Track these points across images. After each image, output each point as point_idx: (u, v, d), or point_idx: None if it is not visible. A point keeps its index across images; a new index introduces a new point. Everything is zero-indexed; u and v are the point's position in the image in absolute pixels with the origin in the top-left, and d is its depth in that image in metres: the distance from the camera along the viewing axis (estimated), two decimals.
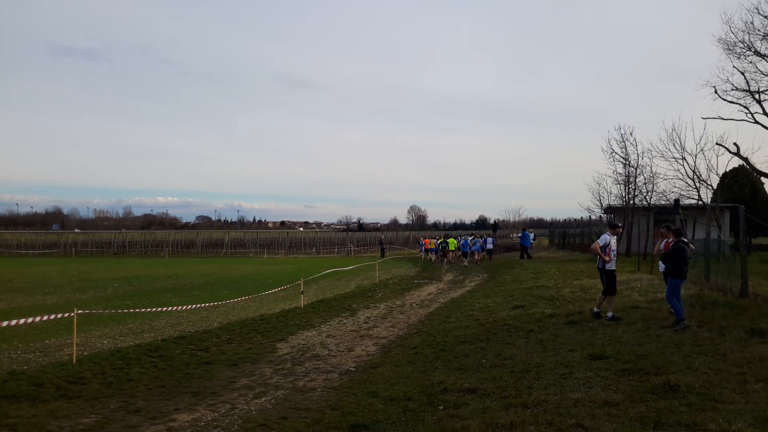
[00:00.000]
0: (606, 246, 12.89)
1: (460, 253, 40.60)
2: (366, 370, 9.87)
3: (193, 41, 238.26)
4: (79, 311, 11.27)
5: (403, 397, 7.60)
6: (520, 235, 40.61)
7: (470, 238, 42.63)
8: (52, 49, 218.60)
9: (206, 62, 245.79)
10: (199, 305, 16.18)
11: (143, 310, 14.36)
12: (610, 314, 12.41)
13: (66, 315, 11.13)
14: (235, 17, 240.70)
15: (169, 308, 14.91)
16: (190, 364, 10.60)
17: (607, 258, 12.83)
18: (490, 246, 42.96)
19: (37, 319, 10.74)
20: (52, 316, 11.06)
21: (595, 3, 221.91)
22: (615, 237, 13.17)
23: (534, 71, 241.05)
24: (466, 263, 37.48)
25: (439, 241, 43.31)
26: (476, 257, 39.46)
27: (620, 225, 14.78)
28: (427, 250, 43.67)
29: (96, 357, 10.92)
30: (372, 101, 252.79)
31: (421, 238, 50.50)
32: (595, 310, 12.89)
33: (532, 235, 48.56)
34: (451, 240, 41.35)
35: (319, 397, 8.31)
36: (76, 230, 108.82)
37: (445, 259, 38.99)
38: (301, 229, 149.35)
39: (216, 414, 7.63)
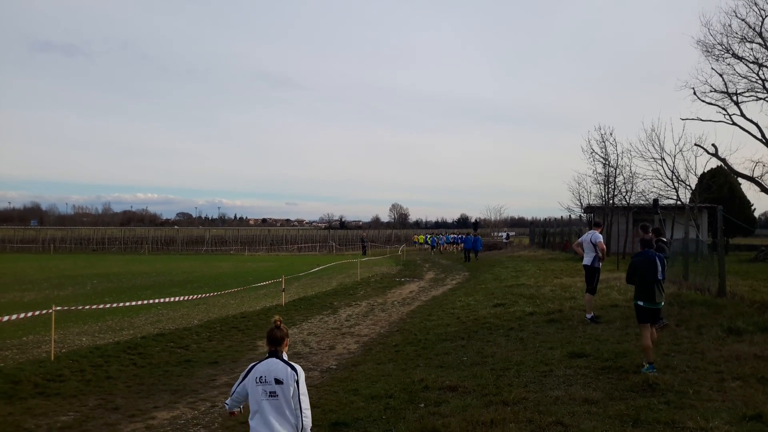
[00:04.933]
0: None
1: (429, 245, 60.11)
2: (347, 367, 9.86)
3: (173, 38, 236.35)
4: (57, 308, 11.14)
5: (384, 395, 7.60)
6: (465, 237, 44.19)
7: (438, 236, 62.62)
8: (31, 44, 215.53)
9: (187, 59, 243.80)
10: (179, 297, 16.06)
11: (122, 304, 14.20)
12: (590, 315, 12.48)
13: (44, 312, 10.99)
14: (217, 14, 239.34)
15: (148, 301, 14.81)
16: (169, 361, 10.52)
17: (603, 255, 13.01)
18: (443, 242, 60.12)
19: (14, 316, 10.59)
20: (30, 313, 10.92)
21: (576, 5, 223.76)
22: None
23: (516, 71, 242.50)
24: (432, 252, 55.96)
25: (428, 237, 66.00)
26: (442, 249, 58.24)
27: (601, 223, 14.93)
28: (415, 242, 68.00)
29: (74, 354, 10.80)
30: (354, 99, 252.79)
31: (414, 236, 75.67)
32: (589, 315, 12.41)
33: (507, 234, 70.28)
34: (420, 237, 70.15)
35: None
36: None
37: (433, 250, 57.70)
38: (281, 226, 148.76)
39: (196, 412, 7.59)
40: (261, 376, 4.25)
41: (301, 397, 4.23)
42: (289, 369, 4.26)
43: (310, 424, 4.28)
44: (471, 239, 42.28)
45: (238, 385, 4.40)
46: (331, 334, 13.22)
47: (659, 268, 8.36)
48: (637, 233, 13.03)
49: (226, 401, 4.56)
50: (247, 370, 4.38)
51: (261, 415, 4.20)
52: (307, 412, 4.26)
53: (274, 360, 4.30)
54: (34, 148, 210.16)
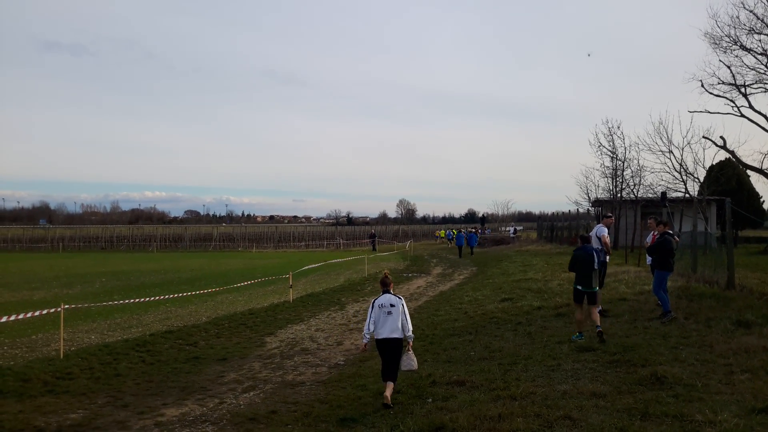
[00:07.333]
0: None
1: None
2: (355, 363, 9.88)
3: (179, 36, 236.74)
4: (66, 306, 11.20)
5: None
6: (458, 234, 44.66)
7: (459, 231, 57.94)
8: (38, 44, 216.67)
9: (193, 57, 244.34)
10: (187, 294, 16.11)
11: (131, 301, 14.26)
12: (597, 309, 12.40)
13: (53, 310, 11.05)
14: (222, 12, 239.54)
15: (156, 297, 14.86)
16: (178, 358, 10.56)
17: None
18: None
19: (21, 315, 10.64)
20: (39, 312, 10.99)
21: None
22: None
23: (522, 66, 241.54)
24: (450, 245, 55.77)
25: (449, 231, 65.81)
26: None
27: (611, 215, 14.80)
28: (437, 237, 71.19)
29: (83, 352, 10.86)
30: (360, 96, 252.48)
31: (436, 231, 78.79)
32: (597, 309, 12.41)
33: (514, 228, 69.48)
34: (442, 231, 70.04)
35: (308, 390, 8.31)
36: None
37: (450, 244, 58.29)
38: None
39: (204, 408, 7.62)
40: (382, 303, 7.42)
41: (406, 313, 7.42)
42: (397, 298, 7.47)
43: (412, 328, 7.48)
44: (462, 236, 42.72)
45: (370, 314, 7.45)
46: (339, 330, 13.24)
47: (596, 260, 10.34)
48: (651, 226, 12.98)
49: (365, 334, 7.48)
50: (371, 303, 7.55)
51: (381, 324, 7.35)
52: (410, 322, 7.45)
53: (388, 294, 7.52)
54: (43, 148, 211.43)
